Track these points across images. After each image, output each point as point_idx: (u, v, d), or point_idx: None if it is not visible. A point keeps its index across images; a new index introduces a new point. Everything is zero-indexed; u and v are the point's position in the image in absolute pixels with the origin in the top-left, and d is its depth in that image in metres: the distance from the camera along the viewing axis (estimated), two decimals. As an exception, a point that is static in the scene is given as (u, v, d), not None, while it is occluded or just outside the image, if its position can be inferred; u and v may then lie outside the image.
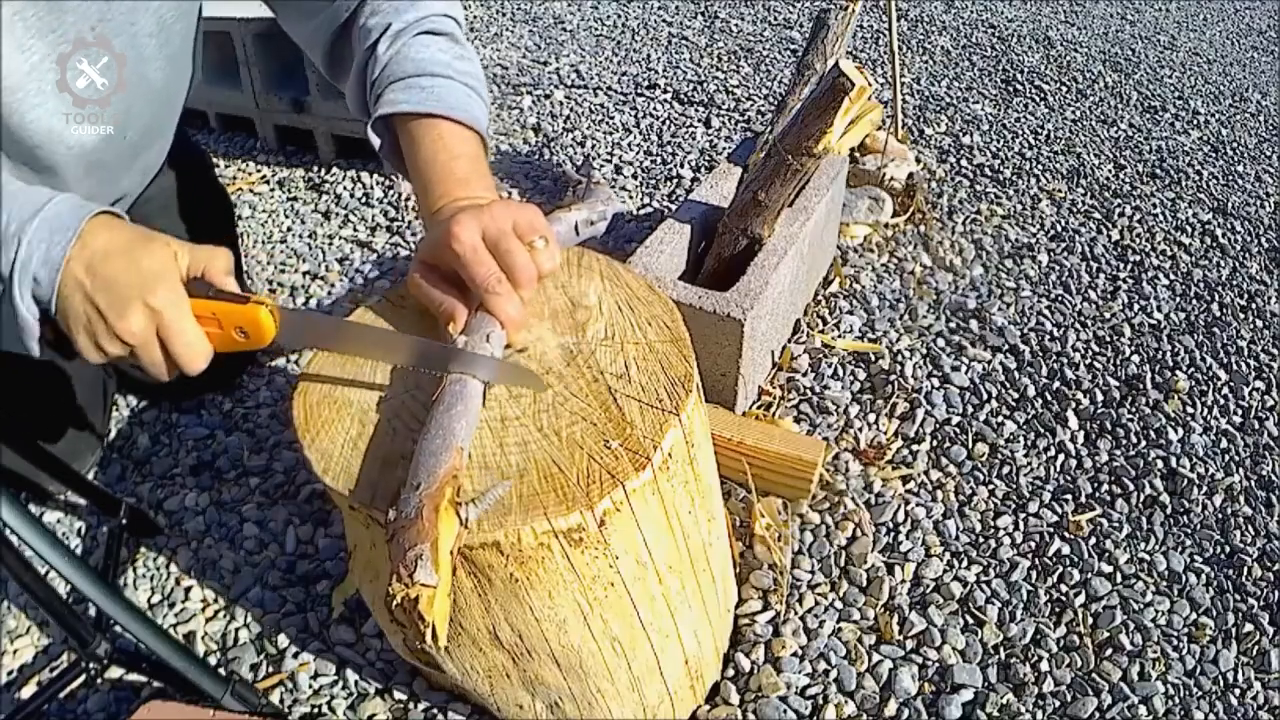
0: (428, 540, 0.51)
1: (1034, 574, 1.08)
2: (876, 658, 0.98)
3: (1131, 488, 1.19)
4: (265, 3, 0.87)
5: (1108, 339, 1.46)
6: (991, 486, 1.18)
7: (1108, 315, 1.52)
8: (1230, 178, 1.98)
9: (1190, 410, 1.32)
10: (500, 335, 0.67)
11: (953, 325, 1.46)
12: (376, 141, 0.78)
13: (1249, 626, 1.03)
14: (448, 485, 0.54)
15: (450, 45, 0.80)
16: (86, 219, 0.61)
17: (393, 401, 0.67)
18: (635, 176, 1.87)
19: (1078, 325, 1.48)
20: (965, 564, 1.08)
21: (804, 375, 1.32)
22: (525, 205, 0.68)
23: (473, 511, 0.56)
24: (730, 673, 0.96)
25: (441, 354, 0.65)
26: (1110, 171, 1.97)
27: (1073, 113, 2.24)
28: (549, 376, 0.69)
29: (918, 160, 1.91)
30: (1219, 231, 1.77)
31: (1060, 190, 1.89)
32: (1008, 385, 1.34)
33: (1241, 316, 1.54)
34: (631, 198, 1.79)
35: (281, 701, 0.92)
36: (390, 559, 0.51)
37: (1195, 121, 2.23)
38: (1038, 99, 2.30)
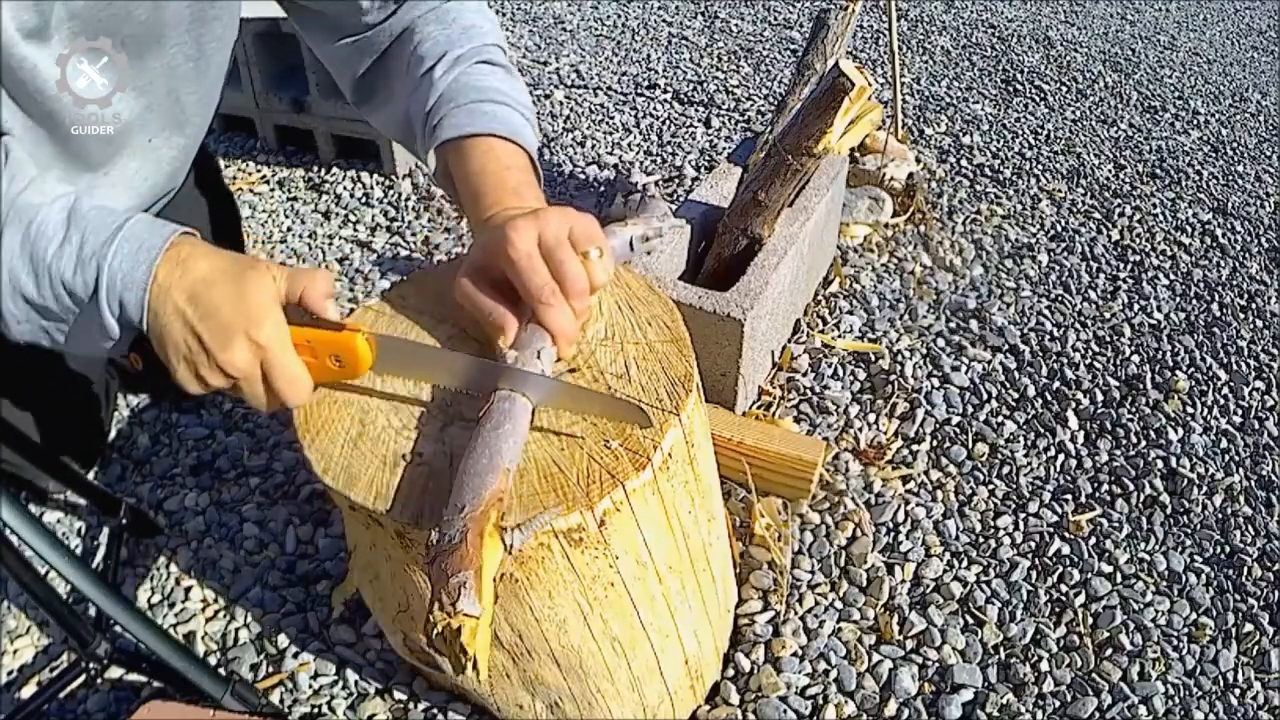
0: (472, 567, 0.48)
1: (1034, 574, 1.08)
2: (876, 658, 0.98)
3: (1131, 488, 1.19)
4: (288, 15, 0.86)
5: (1108, 339, 1.46)
6: (991, 486, 1.18)
7: (1108, 315, 1.52)
8: (1230, 178, 1.98)
9: (1190, 410, 1.32)
10: (551, 351, 0.65)
11: (953, 325, 1.46)
12: (434, 164, 0.77)
13: (1249, 626, 1.03)
14: (493, 509, 0.52)
15: (506, 76, 0.80)
16: (169, 240, 0.59)
17: (393, 401, 0.67)
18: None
19: (1078, 325, 1.48)
20: (965, 564, 1.08)
21: (804, 375, 1.32)
22: (582, 214, 0.66)
23: (518, 537, 0.53)
24: (730, 673, 0.96)
25: (495, 373, 0.63)
26: (1110, 171, 1.97)
27: (1073, 113, 2.24)
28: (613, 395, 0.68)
29: (918, 160, 1.91)
30: (1219, 231, 1.77)
31: (1060, 190, 1.89)
32: (1008, 385, 1.34)
33: (1241, 316, 1.54)
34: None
35: (281, 701, 0.92)
36: (431, 584, 0.49)
37: (1195, 121, 2.23)
38: (1038, 99, 2.30)
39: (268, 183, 1.83)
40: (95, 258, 0.58)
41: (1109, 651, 1.00)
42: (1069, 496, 1.17)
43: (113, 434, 1.24)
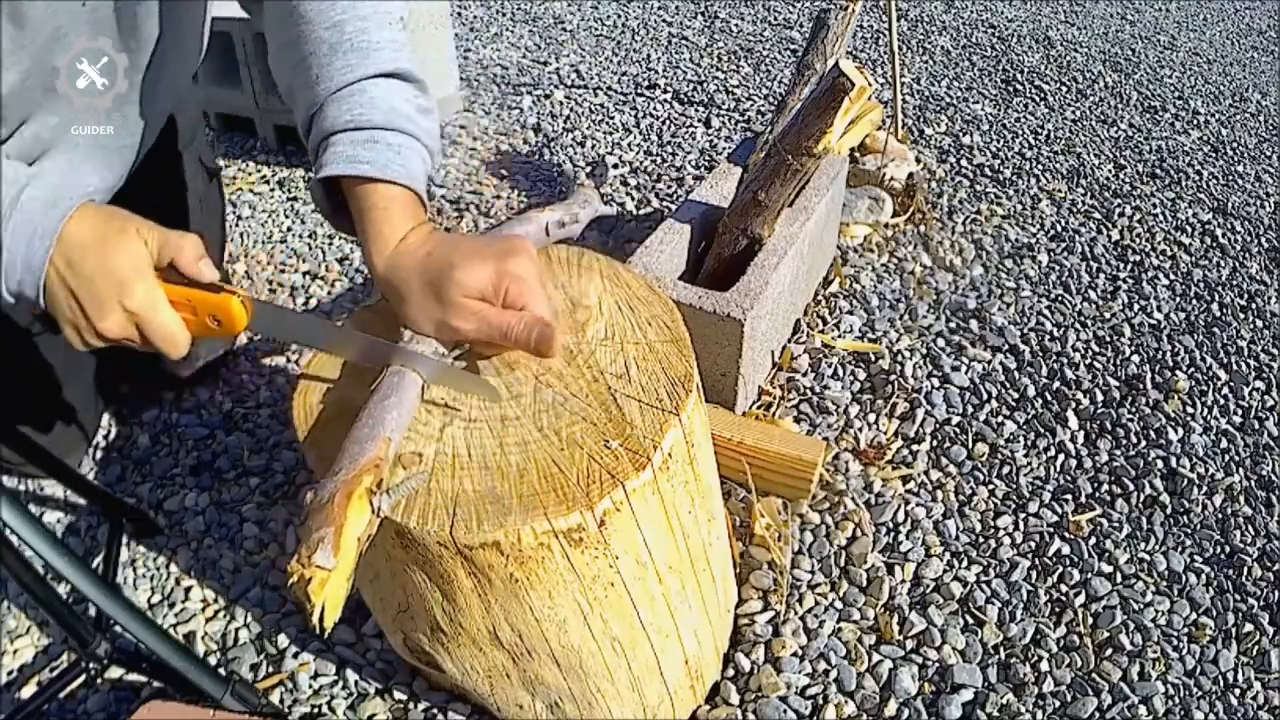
0: (333, 525, 0.53)
1: (1034, 574, 1.08)
2: (876, 658, 0.98)
3: (1131, 488, 1.19)
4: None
5: (1108, 339, 1.46)
6: (991, 486, 1.18)
7: (1108, 315, 1.52)
8: (1230, 178, 1.98)
9: (1190, 410, 1.32)
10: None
11: (953, 325, 1.46)
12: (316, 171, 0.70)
13: (1249, 626, 1.03)
14: (366, 474, 0.56)
15: (416, 94, 0.73)
16: (62, 222, 0.61)
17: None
18: (634, 175, 1.87)
19: (1078, 325, 1.48)
20: (965, 564, 1.08)
21: (804, 375, 1.32)
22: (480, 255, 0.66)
23: (385, 501, 0.57)
24: (730, 673, 0.96)
25: (386, 350, 0.66)
26: (1110, 171, 1.97)
27: (1073, 113, 2.24)
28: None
29: (918, 160, 1.91)
30: (1219, 231, 1.77)
31: (1060, 190, 1.89)
32: (1008, 385, 1.34)
33: (1241, 316, 1.54)
34: (631, 197, 1.79)
35: (281, 701, 0.92)
36: (298, 539, 0.53)
37: (1195, 121, 2.23)
38: (1038, 99, 2.30)
39: (268, 183, 1.83)
40: None
41: (1109, 651, 1.00)
42: (1069, 496, 1.17)
43: (113, 434, 1.24)
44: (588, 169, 1.87)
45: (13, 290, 0.62)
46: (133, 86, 0.81)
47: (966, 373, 1.36)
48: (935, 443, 1.24)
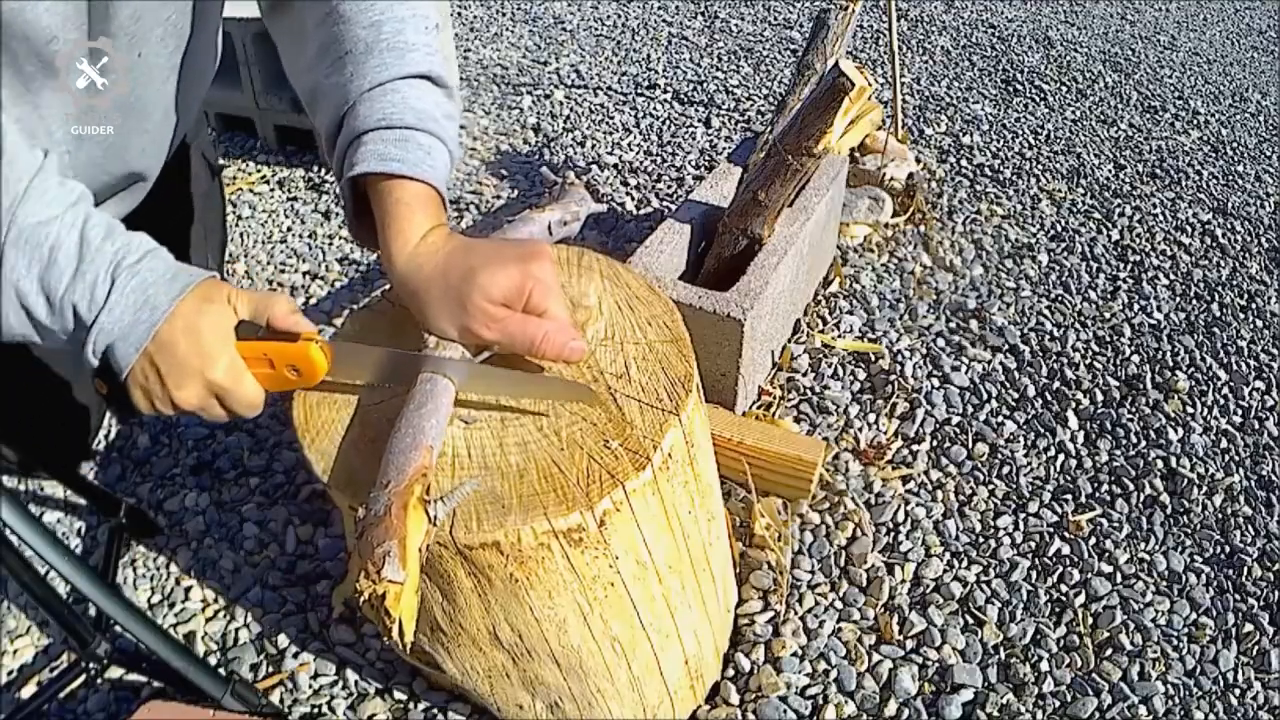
0: (395, 537, 0.52)
1: (1034, 574, 1.08)
2: (876, 658, 0.98)
3: (1131, 488, 1.19)
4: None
5: (1108, 339, 1.46)
6: (991, 486, 1.18)
7: (1108, 315, 1.52)
8: (1230, 178, 1.98)
9: (1190, 410, 1.32)
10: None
11: (953, 325, 1.46)
12: (343, 173, 0.70)
13: (1249, 626, 1.03)
14: (416, 483, 0.55)
15: (445, 99, 0.73)
16: (178, 300, 0.59)
17: (393, 403, 0.67)
18: (634, 175, 1.87)
19: (1078, 325, 1.48)
20: (965, 564, 1.08)
21: (804, 375, 1.32)
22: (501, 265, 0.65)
23: (441, 509, 0.56)
24: (730, 673, 0.96)
25: (429, 360, 0.65)
26: (1110, 171, 1.97)
27: (1073, 113, 2.24)
28: (548, 375, 0.69)
29: (918, 160, 1.91)
30: (1219, 231, 1.77)
31: (1060, 190, 1.89)
32: (1008, 385, 1.34)
33: (1241, 316, 1.54)
34: (631, 197, 1.79)
35: (281, 701, 0.92)
36: (359, 555, 0.52)
37: (1195, 121, 2.23)
38: (1038, 99, 2.30)
39: (268, 183, 1.83)
40: (99, 287, 0.58)
41: (1109, 651, 1.00)
42: (1069, 496, 1.17)
43: (113, 434, 1.24)
44: (565, 170, 1.87)
45: (98, 354, 0.59)
46: (167, 86, 0.80)
47: (966, 373, 1.36)
48: (935, 443, 1.24)
